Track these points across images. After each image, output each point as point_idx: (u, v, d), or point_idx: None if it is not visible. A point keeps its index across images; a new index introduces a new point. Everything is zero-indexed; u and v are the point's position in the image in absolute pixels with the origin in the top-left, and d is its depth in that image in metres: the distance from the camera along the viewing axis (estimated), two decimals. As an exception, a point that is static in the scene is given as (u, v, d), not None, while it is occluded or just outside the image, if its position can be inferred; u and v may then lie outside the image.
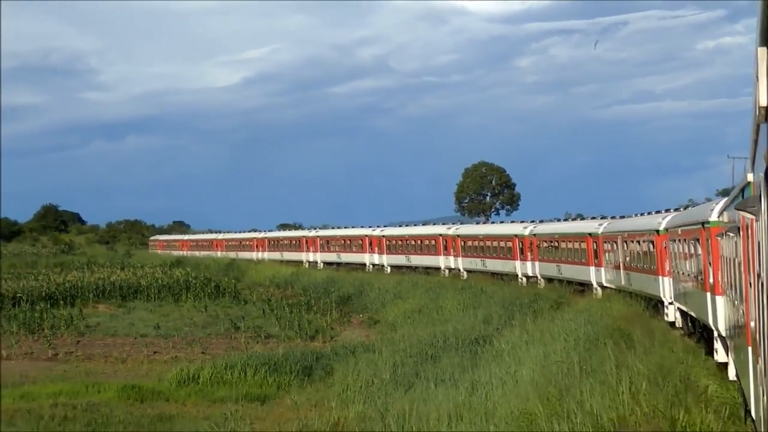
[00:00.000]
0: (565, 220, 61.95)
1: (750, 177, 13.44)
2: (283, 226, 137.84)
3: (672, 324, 27.90)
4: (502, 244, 51.89)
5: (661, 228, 29.70)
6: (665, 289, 28.69)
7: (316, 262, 76.18)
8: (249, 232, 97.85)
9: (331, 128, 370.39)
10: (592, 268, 39.74)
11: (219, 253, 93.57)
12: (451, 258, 58.35)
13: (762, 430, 8.49)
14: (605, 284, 38.26)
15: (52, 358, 41.51)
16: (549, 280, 45.80)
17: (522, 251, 49.21)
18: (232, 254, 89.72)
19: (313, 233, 75.61)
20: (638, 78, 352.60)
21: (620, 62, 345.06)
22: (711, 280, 20.52)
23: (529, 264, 48.48)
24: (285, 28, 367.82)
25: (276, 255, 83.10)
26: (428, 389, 24.18)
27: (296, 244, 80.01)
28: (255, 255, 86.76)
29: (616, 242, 36.45)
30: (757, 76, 5.47)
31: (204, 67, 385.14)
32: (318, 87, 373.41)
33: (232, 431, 20.87)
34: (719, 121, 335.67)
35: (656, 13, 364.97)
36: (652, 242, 30.36)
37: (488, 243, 53.73)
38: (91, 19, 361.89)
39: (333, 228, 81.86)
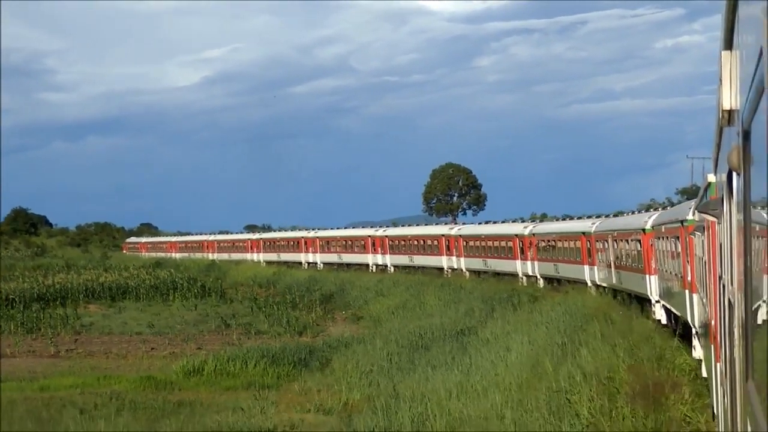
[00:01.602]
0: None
1: (711, 177, 15.06)
2: (250, 228, 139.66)
3: (659, 322, 27.99)
4: (503, 243, 52.42)
5: (648, 227, 29.98)
6: (652, 287, 29.21)
7: (316, 263, 77.01)
8: (240, 233, 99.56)
9: (296, 129, 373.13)
10: (587, 267, 40.45)
11: (211, 255, 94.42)
12: (454, 258, 59.16)
13: (722, 429, 8.47)
14: (599, 283, 38.90)
15: (55, 356, 43.40)
16: (548, 279, 46.45)
17: (522, 251, 49.77)
18: (225, 256, 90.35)
19: (312, 234, 76.50)
20: (599, 76, 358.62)
21: (580, 61, 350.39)
22: (689, 278, 21.23)
23: (529, 264, 48.90)
24: (248, 28, 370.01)
25: (272, 256, 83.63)
26: (426, 373, 26.83)
27: (295, 245, 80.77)
28: (249, 256, 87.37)
29: (607, 241, 36.89)
30: (720, 80, 5.36)
31: (166, 66, 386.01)
32: (280, 87, 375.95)
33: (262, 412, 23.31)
34: (678, 119, 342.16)
35: (616, 12, 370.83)
36: (639, 241, 30.73)
37: (490, 243, 54.25)
38: (52, 19, 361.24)
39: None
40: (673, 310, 25.59)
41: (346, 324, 50.51)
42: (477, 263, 56.22)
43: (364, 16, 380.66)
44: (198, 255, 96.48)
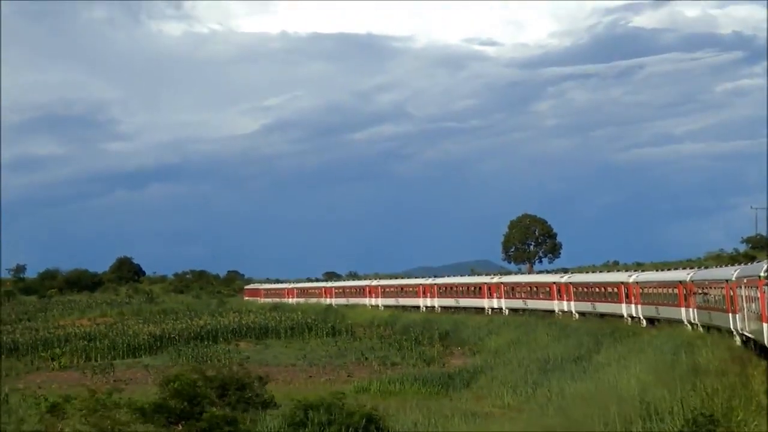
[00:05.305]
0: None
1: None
2: (329, 275, 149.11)
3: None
4: (609, 289, 60.35)
5: (733, 278, 38.68)
6: (735, 321, 38.18)
7: (434, 307, 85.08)
8: (360, 279, 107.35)
9: (352, 174, 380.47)
10: (683, 309, 48.72)
11: (329, 300, 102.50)
12: (564, 302, 66.83)
13: None
14: (692, 321, 47.05)
15: (230, 382, 52.70)
16: (649, 320, 53.98)
17: (627, 296, 57.57)
18: (391, 301, 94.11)
19: (430, 281, 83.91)
20: (657, 120, 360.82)
21: (638, 105, 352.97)
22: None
23: (633, 306, 56.70)
24: (306, 76, 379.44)
25: (391, 301, 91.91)
26: (561, 385, 35.49)
27: (413, 292, 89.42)
28: (368, 301, 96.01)
29: (700, 288, 45.88)
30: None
31: (225, 114, 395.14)
32: (338, 133, 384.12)
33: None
34: (739, 163, 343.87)
35: (674, 55, 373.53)
36: (726, 288, 39.67)
37: (597, 289, 62.54)
38: (113, 68, 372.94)
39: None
40: (752, 336, 33.33)
41: (464, 357, 58.77)
42: (586, 306, 63.56)
43: (421, 61, 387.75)
44: (319, 300, 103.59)
